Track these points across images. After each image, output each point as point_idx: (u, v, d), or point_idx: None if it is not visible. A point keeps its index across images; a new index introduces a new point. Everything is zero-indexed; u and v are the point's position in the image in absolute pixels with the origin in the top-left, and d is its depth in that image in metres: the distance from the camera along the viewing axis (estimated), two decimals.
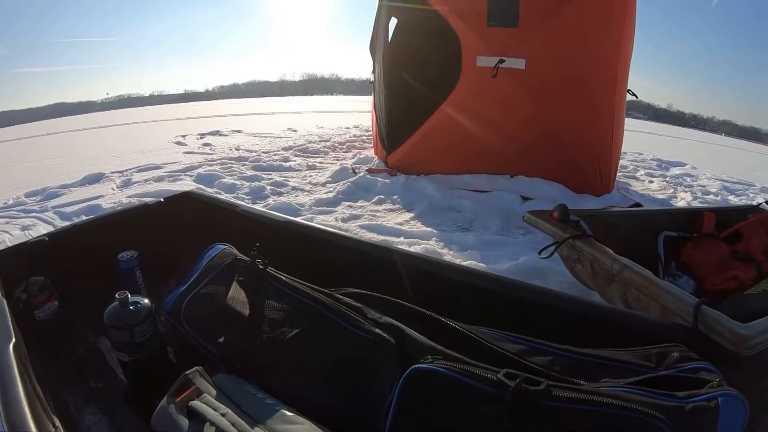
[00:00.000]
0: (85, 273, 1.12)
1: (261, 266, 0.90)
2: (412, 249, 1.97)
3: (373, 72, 3.99)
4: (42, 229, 2.38)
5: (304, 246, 1.19)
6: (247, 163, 4.10)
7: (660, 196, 4.14)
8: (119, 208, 1.59)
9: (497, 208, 2.82)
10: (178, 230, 1.41)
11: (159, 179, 3.52)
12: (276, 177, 3.48)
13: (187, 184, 3.31)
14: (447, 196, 2.92)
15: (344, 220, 2.42)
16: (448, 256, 1.96)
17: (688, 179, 5.34)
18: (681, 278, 1.80)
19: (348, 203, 2.79)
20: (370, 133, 6.58)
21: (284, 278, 0.87)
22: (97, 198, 3.01)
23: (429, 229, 2.34)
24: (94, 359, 1.04)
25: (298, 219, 1.32)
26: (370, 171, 3.33)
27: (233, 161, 4.17)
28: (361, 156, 4.39)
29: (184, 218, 1.44)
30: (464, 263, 1.86)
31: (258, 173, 3.59)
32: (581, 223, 1.70)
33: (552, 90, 2.90)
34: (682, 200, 4.11)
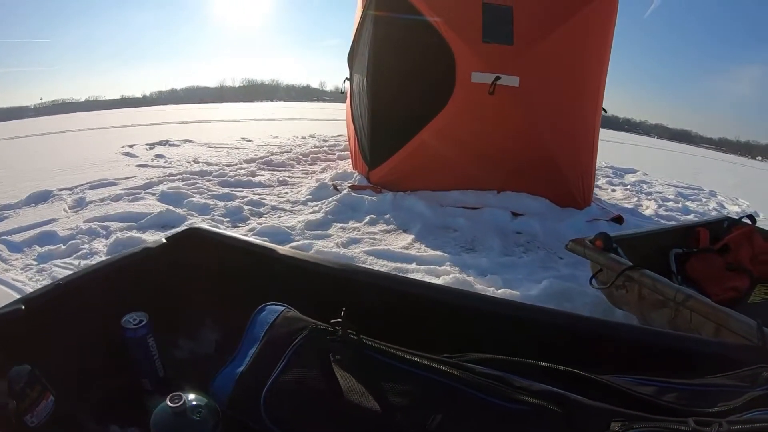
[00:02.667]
0: (80, 348, 0.88)
1: (354, 336, 0.72)
2: (441, 280, 1.85)
3: (350, 82, 3.82)
4: None
5: (356, 295, 1.01)
6: (211, 178, 3.79)
7: (628, 206, 4.25)
8: (116, 255, 1.31)
9: (491, 226, 2.76)
10: (188, 277, 1.18)
11: (117, 198, 3.16)
12: (249, 195, 3.23)
13: (150, 204, 2.99)
14: (439, 214, 2.81)
15: (344, 246, 2.24)
16: (478, 285, 1.85)
17: (645, 186, 5.58)
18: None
19: (339, 224, 2.60)
20: (330, 143, 6.40)
21: (393, 350, 0.70)
22: (49, 222, 2.64)
23: (437, 252, 2.22)
24: None
25: (339, 260, 1.13)
26: (353, 188, 3.15)
27: (195, 176, 3.85)
28: (333, 169, 4.21)
29: (193, 261, 1.21)
30: (498, 293, 1.77)
31: (228, 190, 3.32)
32: (619, 250, 1.72)
33: (543, 107, 2.90)
34: (648, 208, 4.25)
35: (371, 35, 3.02)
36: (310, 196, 3.13)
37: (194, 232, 1.28)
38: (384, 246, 2.26)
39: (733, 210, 4.91)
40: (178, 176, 3.84)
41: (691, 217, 4.12)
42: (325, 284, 1.05)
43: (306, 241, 2.27)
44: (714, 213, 4.55)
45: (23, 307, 0.84)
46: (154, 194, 3.25)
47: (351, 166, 3.96)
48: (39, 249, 2.23)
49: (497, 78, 2.71)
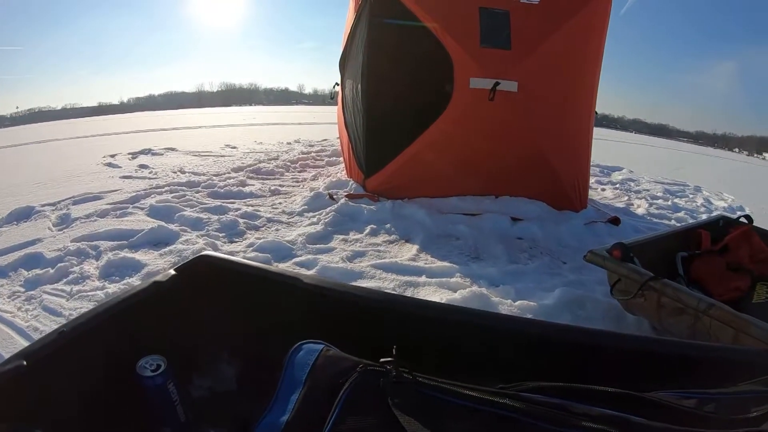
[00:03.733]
0: (92, 400, 0.80)
1: (408, 374, 0.66)
2: (458, 294, 1.82)
3: (341, 88, 3.75)
4: None
5: (389, 325, 0.95)
6: (200, 189, 3.68)
7: (620, 205, 4.29)
8: (122, 293, 1.22)
9: (492, 232, 2.73)
10: (201, 309, 1.10)
11: (103, 214, 3.03)
12: (242, 206, 3.14)
13: (140, 220, 2.88)
14: (440, 222, 2.76)
15: (349, 260, 2.18)
16: (494, 297, 1.83)
17: (633, 184, 5.64)
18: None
19: (340, 236, 2.54)
20: (317, 148, 6.30)
21: (450, 386, 0.65)
22: (34, 243, 2.52)
23: (444, 263, 2.20)
24: None
25: (364, 285, 1.07)
26: (350, 197, 3.08)
27: (184, 187, 3.74)
28: (324, 176, 4.14)
29: (205, 292, 1.13)
30: (516, 305, 1.76)
31: (220, 202, 3.21)
32: (635, 260, 1.76)
33: (541, 112, 2.88)
34: (640, 207, 4.29)
35: (365, 40, 2.96)
36: (305, 207, 3.05)
37: (204, 260, 1.20)
38: (390, 258, 2.22)
39: (719, 205, 5.01)
40: (165, 188, 3.72)
41: (682, 215, 4.19)
42: (352, 314, 0.98)
43: (310, 256, 2.20)
44: (702, 209, 4.63)
45: (24, 363, 0.75)
46: (142, 208, 3.13)
47: (345, 173, 3.88)
48: (26, 273, 2.12)
49: (497, 83, 2.68)
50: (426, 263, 2.20)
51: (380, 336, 0.83)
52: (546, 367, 0.77)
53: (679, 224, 3.85)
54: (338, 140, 6.77)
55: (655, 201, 4.64)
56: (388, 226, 2.67)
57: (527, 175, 3.02)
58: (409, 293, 1.89)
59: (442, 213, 2.88)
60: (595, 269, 2.48)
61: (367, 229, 2.61)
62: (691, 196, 5.38)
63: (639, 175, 6.33)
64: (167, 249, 2.35)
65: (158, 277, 1.08)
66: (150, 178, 4.27)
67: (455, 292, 1.84)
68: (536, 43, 2.77)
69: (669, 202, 4.67)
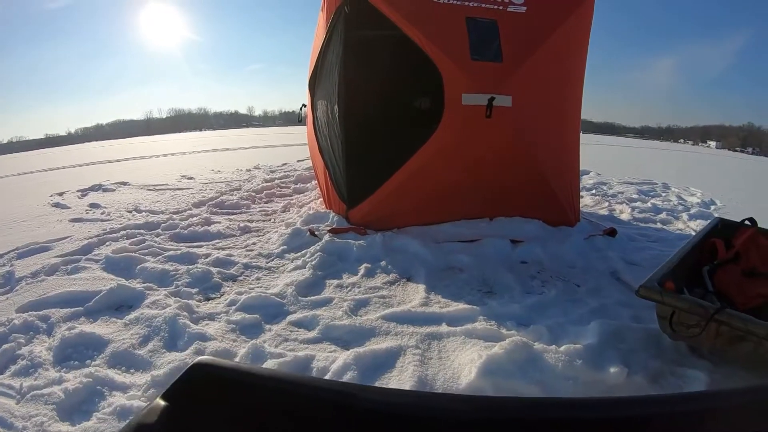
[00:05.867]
0: None
1: None
2: (497, 347, 1.57)
3: (311, 109, 3.46)
4: None
5: None
6: (161, 231, 3.29)
7: (603, 212, 4.25)
8: None
9: (496, 260, 2.56)
10: None
11: (52, 270, 2.60)
12: (212, 251, 2.78)
13: (95, 277, 2.48)
14: (437, 253, 2.54)
15: (354, 312, 1.90)
16: (536, 344, 1.63)
17: (605, 188, 5.62)
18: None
19: (334, 281, 2.24)
20: (279, 174, 5.94)
21: None
22: None
23: (459, 304, 2.00)
24: None
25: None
26: (333, 231, 2.78)
27: (142, 230, 3.32)
28: (294, 206, 3.86)
29: (207, 417, 0.84)
30: (561, 350, 1.53)
31: (186, 248, 2.83)
32: (684, 288, 1.74)
33: (535, 126, 2.72)
34: (623, 213, 4.26)
35: (341, 56, 2.69)
36: (284, 247, 2.72)
37: (201, 371, 0.88)
38: (399, 306, 1.96)
39: (692, 201, 5.07)
40: (121, 232, 3.30)
41: (664, 216, 4.19)
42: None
43: (307, 313, 1.89)
44: (680, 208, 4.65)
45: None
46: (97, 261, 2.72)
47: (321, 203, 3.57)
48: None
49: (492, 99, 2.47)
50: (441, 307, 1.97)
51: None
52: None
53: (665, 226, 3.86)
54: (299, 163, 6.48)
55: (634, 204, 4.63)
56: (383, 263, 2.40)
57: (522, 194, 2.85)
58: (434, 349, 1.64)
59: (437, 242, 2.65)
60: (612, 290, 2.36)
61: (362, 270, 2.34)
62: (663, 194, 5.43)
63: (608, 178, 6.36)
64: (133, 316, 1.98)
65: (141, 416, 0.76)
66: (103, 220, 3.84)
67: (495, 344, 1.59)
68: (527, 54, 2.60)
69: (648, 204, 4.68)
